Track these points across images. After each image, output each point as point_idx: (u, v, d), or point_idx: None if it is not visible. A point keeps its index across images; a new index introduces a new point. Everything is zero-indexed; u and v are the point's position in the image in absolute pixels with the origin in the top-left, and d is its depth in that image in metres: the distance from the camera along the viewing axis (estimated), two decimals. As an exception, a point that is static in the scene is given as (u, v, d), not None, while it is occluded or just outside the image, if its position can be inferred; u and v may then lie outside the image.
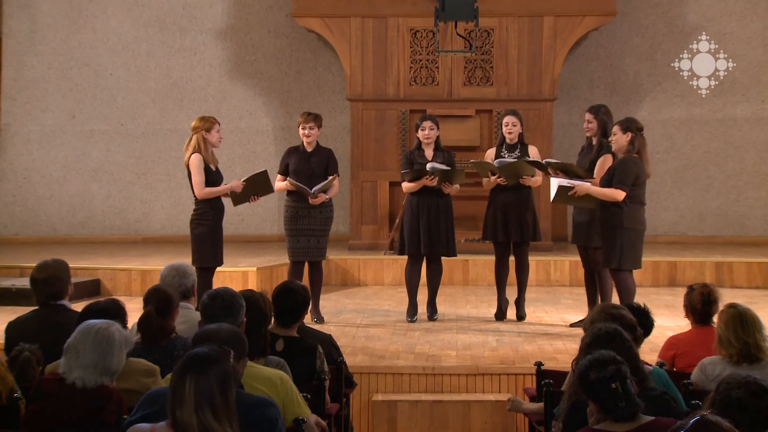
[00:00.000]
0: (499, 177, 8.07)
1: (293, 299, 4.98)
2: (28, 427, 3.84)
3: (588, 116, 7.93)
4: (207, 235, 7.46)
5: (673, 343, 5.41)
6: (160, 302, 4.77)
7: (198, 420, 3.11)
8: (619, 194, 7.14)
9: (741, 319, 4.66)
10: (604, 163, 7.68)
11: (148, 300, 4.81)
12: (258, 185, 7.69)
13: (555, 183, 7.46)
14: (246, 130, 12.91)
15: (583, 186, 7.31)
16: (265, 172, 7.77)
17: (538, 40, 11.30)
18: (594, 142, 7.93)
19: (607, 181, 7.25)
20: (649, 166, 7.34)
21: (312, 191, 8.02)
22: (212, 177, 7.50)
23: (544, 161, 7.98)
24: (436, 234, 8.12)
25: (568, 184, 7.36)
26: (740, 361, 4.60)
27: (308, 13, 11.43)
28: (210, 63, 12.90)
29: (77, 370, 3.83)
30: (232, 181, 7.67)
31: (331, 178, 8.12)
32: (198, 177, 7.39)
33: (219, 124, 7.61)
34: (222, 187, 7.54)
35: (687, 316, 5.49)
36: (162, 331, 4.67)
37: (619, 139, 7.25)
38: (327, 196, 8.16)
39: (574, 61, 12.49)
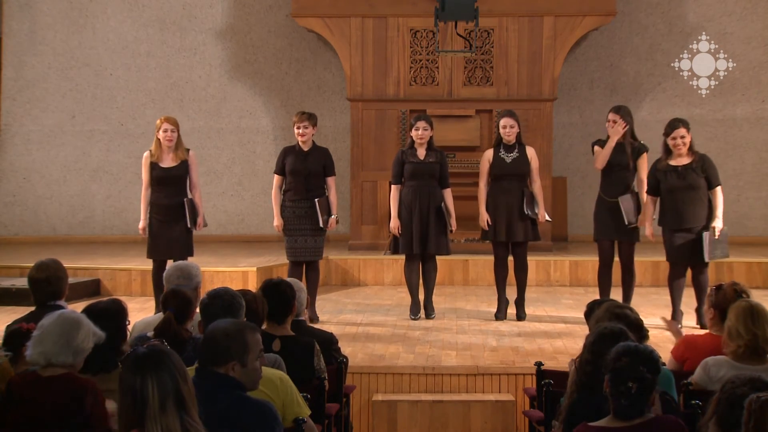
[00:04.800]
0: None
1: (279, 291, 5.00)
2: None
3: (614, 116, 8.00)
4: (149, 229, 8.07)
5: (686, 346, 5.19)
6: (179, 306, 4.68)
7: (171, 420, 2.95)
8: (721, 191, 7.64)
9: (752, 312, 4.65)
10: (645, 162, 7.96)
11: (166, 303, 4.71)
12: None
13: (707, 245, 7.51)
14: (246, 130, 12.90)
15: (718, 226, 7.53)
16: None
17: (538, 40, 11.29)
18: (619, 141, 7.98)
19: (705, 180, 7.57)
20: None
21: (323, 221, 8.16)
22: (156, 173, 8.04)
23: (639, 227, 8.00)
24: (428, 233, 8.15)
25: (716, 236, 7.51)
26: (746, 353, 4.57)
27: (308, 13, 11.42)
28: (210, 63, 12.90)
29: (41, 356, 3.86)
30: (143, 222, 8.14)
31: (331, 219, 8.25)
32: (142, 173, 8.16)
33: (169, 123, 8.09)
34: (144, 212, 8.13)
35: (711, 319, 5.21)
36: (176, 338, 4.53)
37: (690, 140, 7.62)
38: (334, 216, 8.23)
39: (574, 61, 12.48)
